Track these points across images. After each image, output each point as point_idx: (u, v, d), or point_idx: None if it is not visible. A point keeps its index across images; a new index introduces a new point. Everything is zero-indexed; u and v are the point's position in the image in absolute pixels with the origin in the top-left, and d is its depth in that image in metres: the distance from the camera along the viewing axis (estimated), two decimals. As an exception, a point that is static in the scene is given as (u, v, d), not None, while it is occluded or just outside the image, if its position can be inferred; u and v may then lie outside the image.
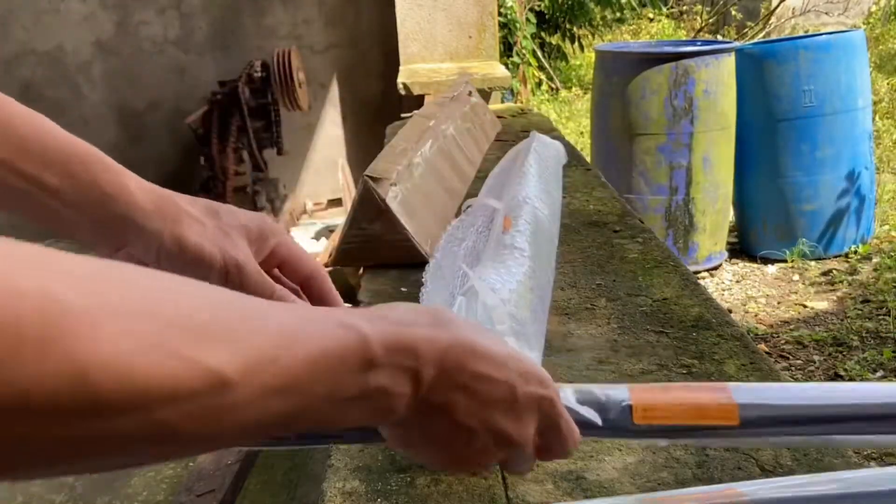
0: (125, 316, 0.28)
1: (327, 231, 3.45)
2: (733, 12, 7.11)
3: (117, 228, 0.52)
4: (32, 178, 0.50)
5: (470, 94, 1.80)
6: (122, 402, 0.27)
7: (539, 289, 0.82)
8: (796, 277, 3.23)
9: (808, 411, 0.46)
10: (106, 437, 0.27)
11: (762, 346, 2.63)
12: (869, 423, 0.46)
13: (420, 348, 0.39)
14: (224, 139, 3.43)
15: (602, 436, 0.48)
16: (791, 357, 2.60)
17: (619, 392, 0.47)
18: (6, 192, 0.50)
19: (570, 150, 1.67)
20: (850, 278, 3.13)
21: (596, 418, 0.46)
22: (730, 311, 2.92)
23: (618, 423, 0.46)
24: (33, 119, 0.51)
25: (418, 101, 2.44)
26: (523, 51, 5.30)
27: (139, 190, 0.53)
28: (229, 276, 0.53)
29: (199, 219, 0.54)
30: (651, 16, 7.56)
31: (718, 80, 3.18)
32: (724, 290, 3.19)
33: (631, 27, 7.66)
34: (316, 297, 0.58)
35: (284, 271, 0.58)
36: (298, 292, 0.58)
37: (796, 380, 2.45)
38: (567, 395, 0.47)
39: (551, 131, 2.06)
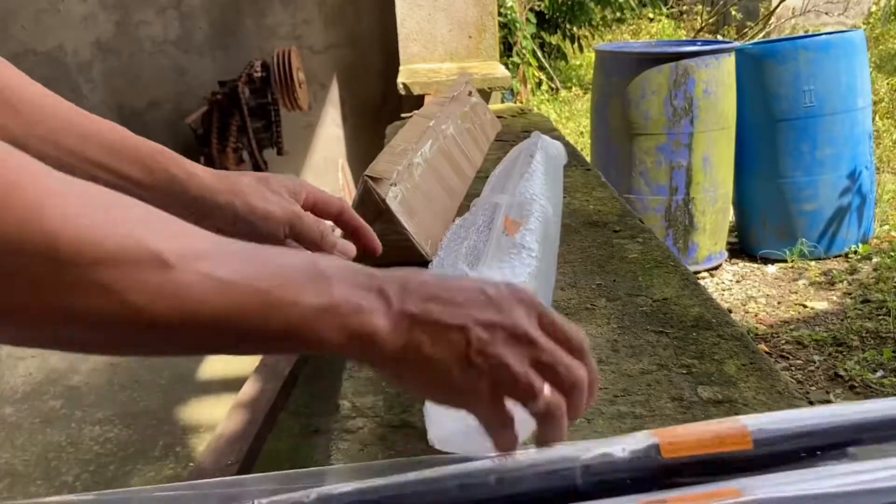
0: (95, 205, 0.37)
1: (327, 231, 3.45)
2: (733, 12, 7.10)
3: (197, 206, 0.64)
4: (122, 174, 0.61)
5: (470, 94, 1.80)
6: (78, 254, 0.34)
7: (542, 290, 0.82)
8: (796, 277, 3.23)
9: (819, 432, 0.48)
10: (62, 282, 0.34)
11: (762, 346, 2.63)
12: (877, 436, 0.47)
13: (374, 272, 0.43)
14: (224, 139, 3.43)
15: (635, 469, 0.49)
16: (791, 357, 2.60)
17: (645, 436, 0.49)
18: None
19: (570, 150, 1.67)
20: (850, 278, 3.13)
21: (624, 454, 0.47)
22: (730, 311, 2.92)
23: (649, 461, 0.47)
24: (114, 127, 0.62)
25: (418, 101, 2.44)
26: (523, 51, 5.30)
27: (205, 173, 0.65)
28: (293, 224, 0.66)
29: (255, 187, 0.66)
30: (651, 16, 7.56)
31: (718, 80, 3.18)
32: (724, 290, 3.19)
33: (631, 27, 7.66)
34: (349, 227, 0.72)
35: (319, 212, 0.71)
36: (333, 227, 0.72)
37: (796, 380, 2.45)
38: (595, 451, 0.48)
39: (551, 131, 2.06)
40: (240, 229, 0.64)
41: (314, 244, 0.67)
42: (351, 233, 0.72)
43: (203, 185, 0.64)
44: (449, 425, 0.60)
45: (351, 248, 0.70)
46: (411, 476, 0.52)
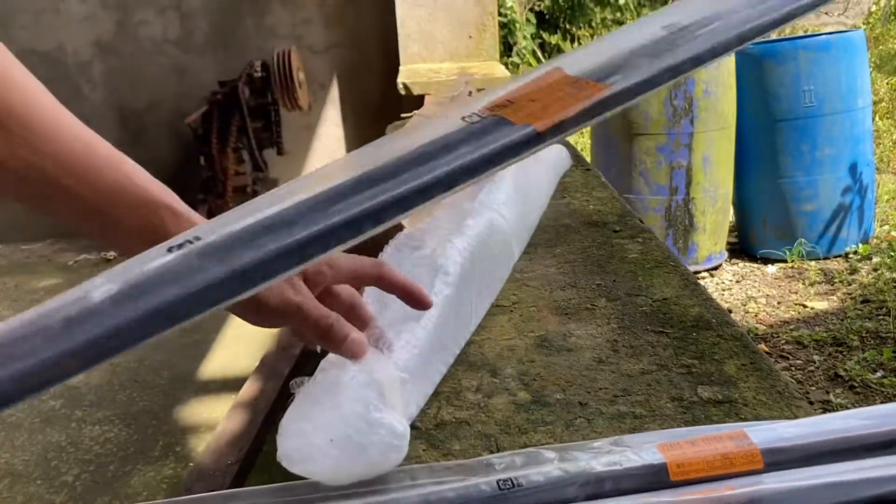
0: None
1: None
2: (733, 12, 7.10)
3: None
4: (114, 223, 0.54)
5: (470, 94, 1.80)
6: None
7: (453, 319, 0.80)
8: (796, 277, 3.23)
9: (828, 445, 0.48)
10: None
11: (762, 346, 2.63)
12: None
13: None
14: (224, 139, 3.43)
15: (642, 491, 0.49)
16: (791, 357, 2.60)
17: (652, 453, 0.48)
18: (86, 224, 0.54)
19: (570, 150, 1.67)
20: (850, 278, 3.13)
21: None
22: (730, 311, 2.92)
23: (656, 481, 0.48)
24: (121, 165, 0.54)
25: (418, 101, 2.44)
26: (523, 51, 5.30)
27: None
28: (288, 316, 0.57)
29: None
30: (651, 16, 7.55)
31: (718, 80, 3.18)
32: (724, 290, 3.19)
33: (631, 27, 7.65)
34: (394, 290, 0.64)
35: (358, 282, 0.64)
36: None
37: (796, 380, 2.45)
38: (603, 461, 0.48)
39: (551, 131, 2.06)
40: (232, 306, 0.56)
41: (323, 335, 0.58)
42: (398, 295, 0.64)
43: None
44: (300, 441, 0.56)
45: (361, 347, 0.59)
46: (412, 493, 0.52)
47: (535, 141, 0.37)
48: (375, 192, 0.35)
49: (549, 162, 1.37)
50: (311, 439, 0.55)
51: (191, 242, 0.33)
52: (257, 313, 0.57)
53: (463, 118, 0.37)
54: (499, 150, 0.36)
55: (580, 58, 0.40)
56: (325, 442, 0.54)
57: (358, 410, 0.55)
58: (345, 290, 0.63)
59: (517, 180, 1.11)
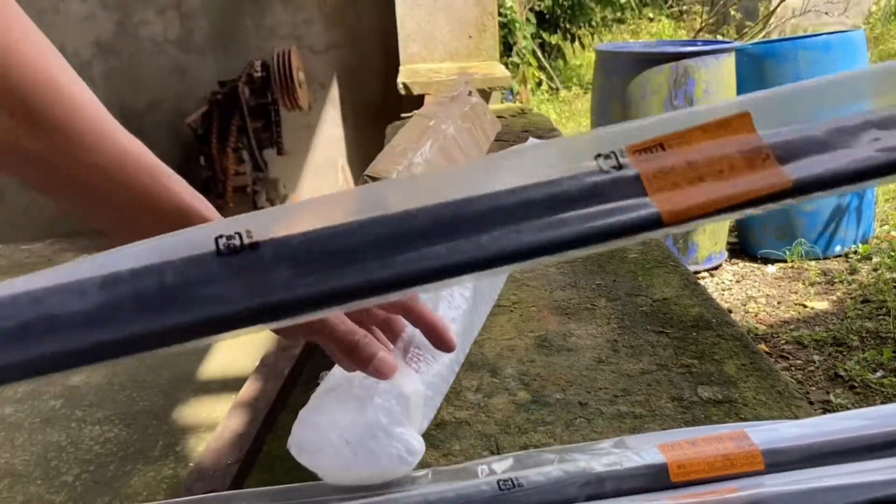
0: None
1: (327, 231, 3.44)
2: (733, 12, 7.10)
3: None
4: (147, 231, 0.50)
5: (470, 94, 1.80)
6: None
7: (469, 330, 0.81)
8: (796, 277, 3.23)
9: (830, 446, 0.48)
10: None
11: (762, 346, 2.63)
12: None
13: None
14: (224, 139, 3.43)
15: (643, 492, 0.49)
16: (791, 357, 2.60)
17: (653, 453, 0.48)
18: (120, 231, 0.55)
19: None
20: (850, 278, 3.13)
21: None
22: (730, 311, 2.92)
23: (657, 482, 0.48)
24: (159, 174, 0.54)
25: (418, 101, 2.44)
26: (523, 51, 5.30)
27: None
28: (313, 330, 0.54)
29: None
30: (651, 16, 7.56)
31: (719, 80, 3.18)
32: (724, 290, 3.19)
33: (631, 27, 7.66)
34: (420, 324, 0.60)
35: (375, 312, 0.60)
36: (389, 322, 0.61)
37: (796, 380, 2.45)
38: (604, 462, 0.48)
39: (551, 131, 2.07)
40: None
41: (349, 352, 0.55)
42: (423, 330, 0.61)
43: None
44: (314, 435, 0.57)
45: (388, 367, 0.57)
46: (413, 493, 0.52)
47: (650, 227, 0.28)
48: (462, 244, 0.27)
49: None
50: (327, 435, 0.55)
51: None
52: (285, 328, 0.55)
53: (598, 156, 0.28)
54: (604, 229, 0.27)
55: (773, 105, 0.30)
56: (341, 441, 0.54)
57: (382, 421, 0.55)
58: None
59: None
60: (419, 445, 0.56)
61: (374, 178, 1.08)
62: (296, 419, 0.58)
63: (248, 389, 2.22)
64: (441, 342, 0.60)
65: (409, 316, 0.60)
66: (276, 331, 0.56)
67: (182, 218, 0.54)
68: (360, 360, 0.55)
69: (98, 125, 0.53)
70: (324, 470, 0.56)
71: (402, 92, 2.65)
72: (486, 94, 2.57)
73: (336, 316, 0.55)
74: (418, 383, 0.62)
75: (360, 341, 0.54)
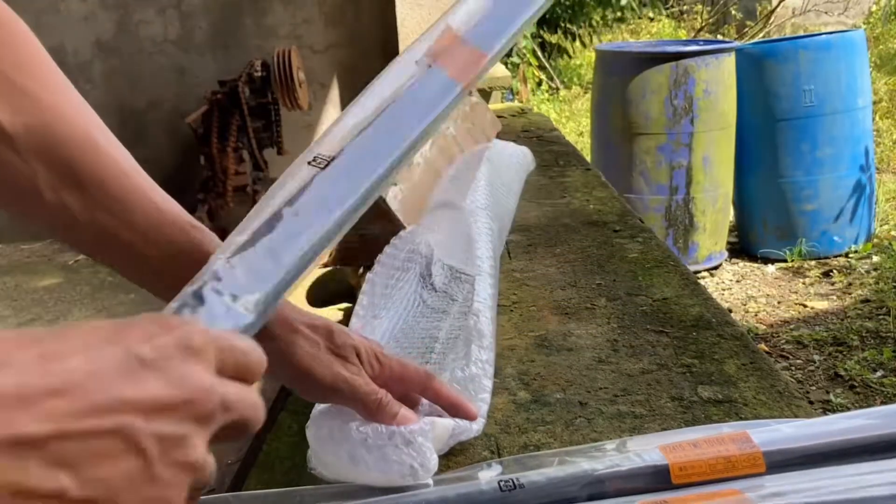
0: None
1: (327, 231, 3.44)
2: (733, 12, 7.10)
3: None
4: (176, 283, 0.47)
5: (470, 93, 1.80)
6: None
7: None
8: (796, 277, 3.23)
9: (830, 447, 0.48)
10: None
11: (762, 346, 2.63)
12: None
13: None
14: (224, 139, 3.43)
15: (643, 492, 0.49)
16: (791, 357, 2.60)
17: (654, 455, 0.48)
18: (147, 281, 0.55)
19: (571, 149, 1.67)
20: (850, 278, 3.13)
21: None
22: (730, 311, 2.92)
23: (658, 484, 0.48)
24: (190, 229, 0.54)
25: (418, 101, 2.43)
26: (523, 50, 5.30)
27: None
28: (337, 391, 0.57)
29: (311, 338, 0.57)
30: (651, 16, 7.56)
31: (718, 80, 3.18)
32: (724, 290, 3.19)
33: (631, 27, 7.65)
34: (439, 402, 0.63)
35: (393, 386, 0.60)
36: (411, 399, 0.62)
37: (796, 379, 2.45)
38: (605, 462, 0.48)
39: (551, 131, 2.07)
40: (273, 371, 0.47)
41: (372, 412, 0.57)
42: (443, 406, 0.63)
43: None
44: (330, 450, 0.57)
45: (411, 422, 0.58)
46: (413, 493, 0.52)
47: None
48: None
49: (518, 164, 1.44)
50: (347, 424, 0.56)
51: None
52: (307, 386, 0.57)
53: None
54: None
55: None
56: (360, 438, 0.55)
57: (405, 432, 0.56)
58: (394, 360, 0.61)
59: (491, 179, 1.14)
60: (434, 464, 0.56)
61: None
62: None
63: (248, 389, 2.21)
64: (462, 415, 0.63)
65: (426, 393, 0.63)
66: (301, 392, 0.58)
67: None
68: (383, 418, 0.57)
69: (131, 182, 0.53)
70: (331, 458, 0.56)
71: (402, 92, 2.65)
72: (486, 94, 2.57)
73: (359, 377, 0.57)
74: (448, 420, 0.63)
75: (381, 399, 0.57)
